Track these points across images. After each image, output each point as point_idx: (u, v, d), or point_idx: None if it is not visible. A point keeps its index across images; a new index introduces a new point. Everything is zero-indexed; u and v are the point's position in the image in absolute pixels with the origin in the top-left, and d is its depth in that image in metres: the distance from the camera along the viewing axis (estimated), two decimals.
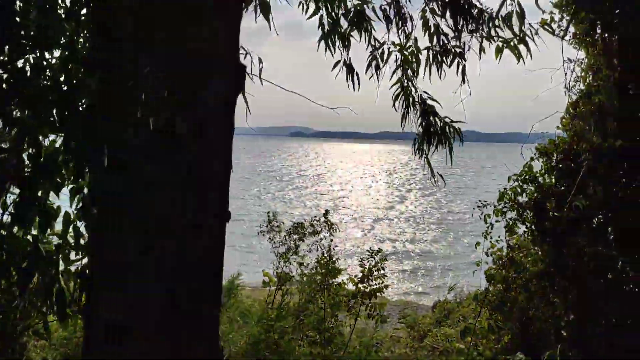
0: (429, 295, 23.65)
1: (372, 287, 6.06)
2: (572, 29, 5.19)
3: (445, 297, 15.61)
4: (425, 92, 3.86)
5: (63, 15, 2.31)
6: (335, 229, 9.80)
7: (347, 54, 3.93)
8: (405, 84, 3.96)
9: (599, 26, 4.86)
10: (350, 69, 3.90)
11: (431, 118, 3.73)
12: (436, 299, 22.27)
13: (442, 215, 41.97)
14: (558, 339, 5.52)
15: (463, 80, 3.89)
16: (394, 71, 3.99)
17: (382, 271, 6.20)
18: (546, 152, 5.66)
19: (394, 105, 3.81)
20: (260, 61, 3.92)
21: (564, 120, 5.17)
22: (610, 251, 4.46)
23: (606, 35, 4.80)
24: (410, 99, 3.90)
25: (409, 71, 3.98)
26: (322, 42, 3.67)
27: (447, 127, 3.62)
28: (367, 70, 3.99)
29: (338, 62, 3.85)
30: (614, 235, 4.53)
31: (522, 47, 3.44)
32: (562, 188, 5.40)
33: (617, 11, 4.62)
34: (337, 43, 3.71)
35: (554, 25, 3.45)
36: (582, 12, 4.71)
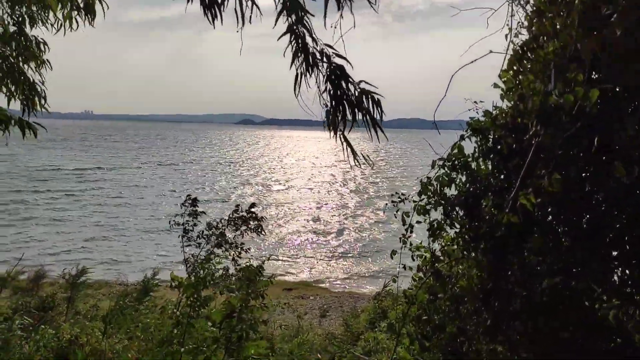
0: (371, 283, 22.73)
1: (241, 327, 4.07)
2: None
3: (380, 293, 14.57)
4: (327, 45, 2.65)
5: None
6: (261, 230, 8.82)
7: None
8: (299, 31, 2.63)
9: None
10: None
11: (342, 82, 2.67)
12: (378, 287, 21.40)
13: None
14: None
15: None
16: (279, 13, 2.61)
17: (261, 299, 4.34)
18: (480, 128, 4.09)
19: (291, 65, 2.63)
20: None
21: (503, 78, 3.57)
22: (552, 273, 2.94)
23: None
24: (310, 56, 2.67)
25: (299, 12, 2.61)
26: None
27: (364, 96, 2.66)
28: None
29: None
30: (572, 247, 3.03)
31: None
32: (502, 177, 3.87)
33: None
34: None
35: None
36: None
